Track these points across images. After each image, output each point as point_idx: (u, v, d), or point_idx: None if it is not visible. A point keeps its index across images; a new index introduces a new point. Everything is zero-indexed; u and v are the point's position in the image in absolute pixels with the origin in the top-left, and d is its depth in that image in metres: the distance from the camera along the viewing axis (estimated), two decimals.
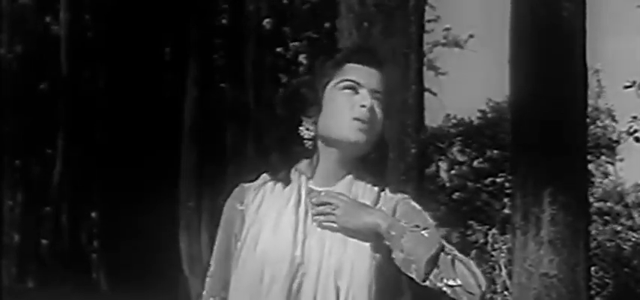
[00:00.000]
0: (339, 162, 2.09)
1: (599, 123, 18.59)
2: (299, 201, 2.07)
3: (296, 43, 18.09)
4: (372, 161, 2.14)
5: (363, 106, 2.05)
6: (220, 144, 14.47)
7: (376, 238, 2.01)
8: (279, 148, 2.14)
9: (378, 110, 2.08)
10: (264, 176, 2.15)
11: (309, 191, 2.08)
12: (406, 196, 2.14)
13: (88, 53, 16.87)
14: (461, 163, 21.36)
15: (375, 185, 2.11)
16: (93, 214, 18.13)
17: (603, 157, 18.82)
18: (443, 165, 21.91)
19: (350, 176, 2.10)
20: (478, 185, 20.32)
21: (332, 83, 2.09)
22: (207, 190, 14.10)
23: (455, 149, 21.86)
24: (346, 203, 2.03)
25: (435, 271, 1.96)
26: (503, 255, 12.03)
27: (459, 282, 1.95)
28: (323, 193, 2.06)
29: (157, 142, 14.69)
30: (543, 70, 6.88)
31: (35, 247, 20.35)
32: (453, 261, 1.98)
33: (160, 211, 13.68)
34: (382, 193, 2.11)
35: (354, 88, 2.07)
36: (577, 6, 6.89)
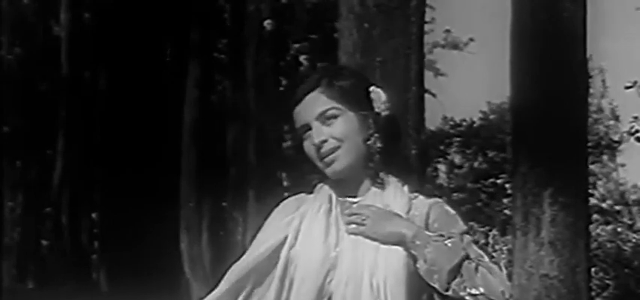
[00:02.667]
0: (351, 177, 2.12)
1: (602, 123, 18.60)
2: (330, 209, 2.10)
3: (296, 45, 18.10)
4: (388, 156, 2.14)
5: (315, 144, 2.08)
6: (221, 145, 14.48)
7: (402, 244, 2.03)
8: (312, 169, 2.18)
9: (336, 124, 2.09)
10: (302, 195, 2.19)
11: (343, 203, 2.11)
12: (439, 200, 2.16)
13: (88, 54, 16.88)
14: (461, 165, 21.38)
15: (407, 189, 2.13)
16: (93, 215, 18.14)
17: (604, 158, 18.82)
18: (443, 166, 21.92)
19: (379, 183, 2.12)
20: (478, 186, 20.34)
21: (299, 135, 2.13)
22: (207, 190, 14.11)
23: (455, 150, 21.87)
24: (375, 213, 2.06)
25: (458, 279, 1.98)
26: (503, 256, 12.03)
27: (482, 290, 1.97)
28: (355, 205, 2.10)
29: (158, 143, 14.69)
30: (544, 71, 6.88)
31: (35, 247, 20.37)
32: (476, 269, 1.99)
33: (160, 212, 13.69)
34: (414, 200, 2.13)
35: (306, 129, 2.10)
36: (577, 7, 6.89)
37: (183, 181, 13.86)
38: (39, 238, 20.49)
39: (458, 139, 21.76)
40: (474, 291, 1.97)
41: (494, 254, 11.95)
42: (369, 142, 2.10)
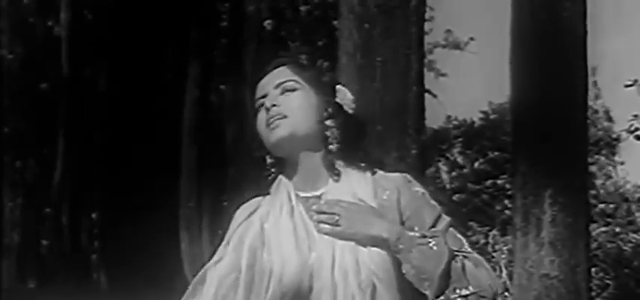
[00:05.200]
0: (307, 165, 2.07)
1: (596, 125, 18.61)
2: (292, 208, 2.03)
3: (296, 45, 18.09)
4: (351, 142, 2.09)
5: (267, 108, 2.05)
6: (220, 144, 14.48)
7: (385, 249, 1.96)
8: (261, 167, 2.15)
9: (291, 96, 2.06)
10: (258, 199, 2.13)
11: (305, 200, 2.05)
12: (406, 175, 2.09)
13: (88, 54, 16.87)
14: (462, 165, 21.38)
15: (366, 169, 2.06)
16: (93, 215, 18.13)
17: (603, 158, 18.82)
18: (443, 166, 21.91)
19: (338, 173, 2.05)
20: (479, 186, 20.33)
21: (254, 111, 2.11)
22: (207, 190, 14.10)
23: (455, 150, 21.87)
24: (347, 210, 1.99)
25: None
26: (503, 256, 12.04)
27: (472, 289, 1.92)
28: (322, 201, 2.03)
29: (158, 143, 14.69)
30: (544, 71, 6.88)
31: (35, 247, 20.36)
32: (463, 268, 1.94)
33: (160, 212, 13.68)
34: (376, 177, 2.06)
35: (262, 102, 2.08)
36: (577, 6, 6.89)
37: (183, 181, 13.85)
38: (39, 238, 20.48)
39: (459, 139, 21.76)
40: (464, 292, 1.92)
41: (494, 255, 11.95)
42: (326, 132, 2.05)
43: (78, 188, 17.07)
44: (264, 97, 2.08)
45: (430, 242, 1.95)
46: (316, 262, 1.94)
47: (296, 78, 2.08)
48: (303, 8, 17.76)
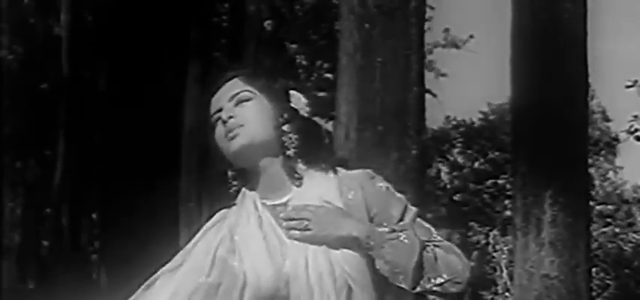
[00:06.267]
0: (269, 173, 2.08)
1: (594, 125, 18.61)
2: (260, 217, 2.05)
3: (295, 45, 18.10)
4: (310, 145, 2.10)
5: (224, 121, 2.09)
6: None
7: (357, 248, 1.97)
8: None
9: (246, 106, 2.09)
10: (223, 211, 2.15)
11: (272, 208, 2.06)
12: (368, 171, 2.11)
13: (89, 54, 16.89)
14: (463, 166, 21.37)
15: (329, 170, 2.08)
16: (93, 215, 18.14)
17: (602, 159, 18.82)
18: (444, 167, 21.91)
19: (300, 178, 2.07)
20: (479, 187, 20.32)
21: (212, 126, 2.16)
22: (207, 190, 14.10)
23: (456, 151, 21.86)
24: (316, 214, 2.00)
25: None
26: (504, 256, 12.04)
27: (446, 276, 1.95)
28: (289, 207, 2.04)
29: (158, 143, 14.69)
30: (544, 71, 6.88)
31: (36, 247, 20.36)
32: (435, 257, 1.96)
33: (160, 212, 13.68)
34: (340, 176, 2.08)
35: (219, 116, 2.12)
36: (578, 7, 6.90)
37: (183, 181, 13.86)
38: (39, 239, 20.49)
39: (459, 139, 21.75)
40: (439, 280, 1.94)
41: (494, 255, 11.98)
42: (283, 137, 2.07)
43: (78, 188, 17.08)
44: (219, 110, 2.13)
45: (400, 236, 1.96)
46: (291, 269, 1.96)
47: (249, 88, 2.12)
48: (301, 8, 17.77)
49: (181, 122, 14.08)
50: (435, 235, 2.02)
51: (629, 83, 13.38)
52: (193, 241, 2.12)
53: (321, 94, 17.14)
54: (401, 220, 2.02)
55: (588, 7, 7.00)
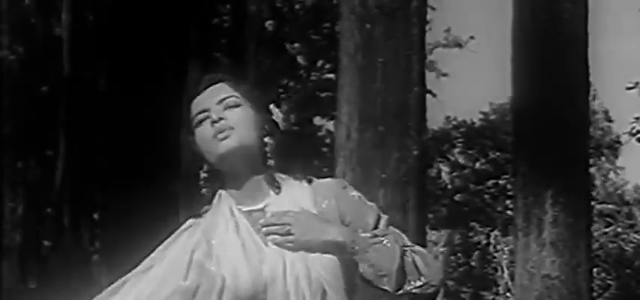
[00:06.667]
0: (248, 178, 2.12)
1: (596, 125, 18.60)
2: (237, 223, 2.07)
3: (296, 45, 18.10)
4: (286, 157, 2.16)
5: (214, 121, 2.09)
6: None
7: (341, 253, 2.01)
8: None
9: (235, 111, 2.11)
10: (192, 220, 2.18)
11: (248, 214, 2.08)
12: (341, 180, 2.20)
13: (89, 54, 16.88)
14: (463, 166, 21.36)
15: (302, 179, 2.13)
16: (95, 215, 18.14)
17: (604, 159, 18.81)
18: (445, 167, 21.90)
19: (279, 185, 2.11)
20: (480, 187, 20.32)
21: (193, 126, 2.19)
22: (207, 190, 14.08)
23: (456, 151, 21.86)
24: (297, 219, 2.04)
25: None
26: (505, 256, 12.04)
27: (424, 279, 2.01)
28: (269, 214, 2.07)
29: (158, 143, 14.70)
30: (545, 72, 6.88)
31: (36, 248, 20.36)
32: (414, 261, 2.02)
33: (161, 212, 13.68)
34: (314, 186, 2.13)
35: (205, 116, 2.14)
36: (578, 8, 6.89)
37: (183, 181, 13.86)
38: (40, 239, 20.49)
39: (460, 139, 21.75)
40: (418, 282, 2.00)
41: (495, 255, 11.98)
42: (265, 147, 2.12)
43: (79, 188, 17.08)
44: (205, 111, 2.15)
45: (383, 240, 2.02)
46: (269, 274, 1.99)
47: (236, 94, 2.16)
48: (301, 8, 17.76)
49: (181, 122, 14.10)
50: (407, 241, 2.07)
51: (630, 85, 13.38)
52: (164, 245, 2.14)
53: (322, 94, 17.16)
54: (376, 227, 2.08)
55: (589, 7, 6.99)
